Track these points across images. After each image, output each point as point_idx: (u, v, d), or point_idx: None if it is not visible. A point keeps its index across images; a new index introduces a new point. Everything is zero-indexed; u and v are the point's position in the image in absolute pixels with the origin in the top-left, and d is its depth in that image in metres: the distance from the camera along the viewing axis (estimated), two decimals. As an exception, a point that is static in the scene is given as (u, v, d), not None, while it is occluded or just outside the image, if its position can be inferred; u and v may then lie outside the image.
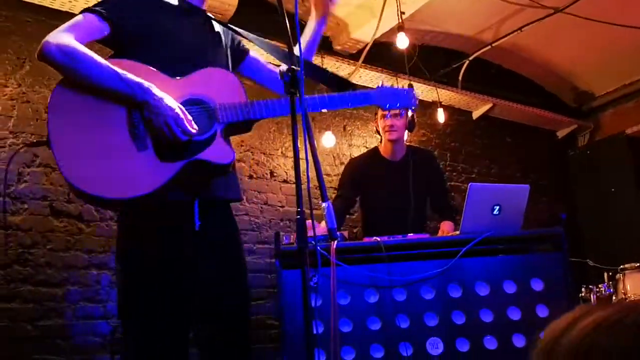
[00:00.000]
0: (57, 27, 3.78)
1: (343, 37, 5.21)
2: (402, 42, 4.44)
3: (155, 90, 1.78)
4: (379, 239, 2.81)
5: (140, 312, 1.86)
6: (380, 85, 2.26)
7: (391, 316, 2.68)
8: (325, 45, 5.24)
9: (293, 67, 1.72)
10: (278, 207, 4.89)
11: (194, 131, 1.79)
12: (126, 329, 1.90)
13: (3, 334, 3.44)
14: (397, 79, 5.50)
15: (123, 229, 1.96)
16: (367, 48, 4.83)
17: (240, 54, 2.25)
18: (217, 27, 2.16)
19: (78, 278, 3.79)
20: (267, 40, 2.19)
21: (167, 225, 1.88)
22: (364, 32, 5.07)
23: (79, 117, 1.79)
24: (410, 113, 3.57)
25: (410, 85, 5.23)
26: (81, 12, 1.89)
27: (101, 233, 3.95)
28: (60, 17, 4.11)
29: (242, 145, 4.76)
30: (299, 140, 1.67)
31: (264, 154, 4.93)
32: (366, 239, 2.94)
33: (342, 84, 2.17)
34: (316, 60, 4.96)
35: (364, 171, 3.66)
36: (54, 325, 3.62)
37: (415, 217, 3.48)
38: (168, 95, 1.80)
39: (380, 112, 3.58)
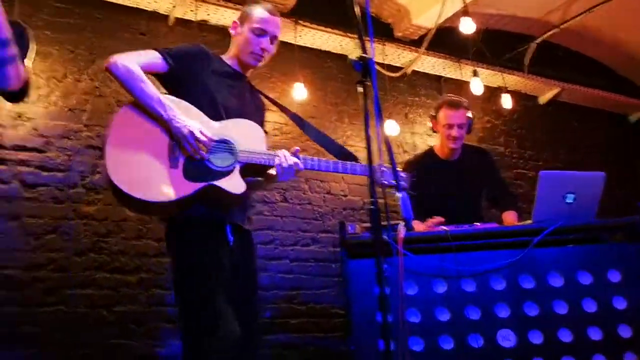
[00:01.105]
0: (125, 23, 3.92)
1: (404, 24, 5.15)
2: (467, 27, 4.33)
3: (180, 115, 2.18)
4: (446, 228, 2.77)
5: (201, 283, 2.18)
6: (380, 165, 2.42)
7: (460, 307, 2.64)
8: (386, 32, 5.19)
9: (364, 55, 1.71)
10: (341, 196, 4.89)
11: (204, 153, 2.19)
12: (186, 301, 2.20)
13: (81, 320, 3.61)
14: (460, 65, 5.39)
15: (173, 235, 2.28)
16: (431, 34, 4.74)
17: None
18: (255, 92, 2.64)
19: (150, 266, 3.92)
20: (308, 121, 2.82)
21: (208, 236, 2.24)
22: (426, 18, 4.98)
23: (134, 131, 2.17)
24: (469, 114, 3.50)
25: (475, 73, 5.13)
26: (153, 49, 2.33)
27: (170, 222, 4.05)
28: (128, 12, 4.25)
29: (303, 135, 4.78)
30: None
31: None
32: (434, 226, 2.91)
33: (347, 156, 2.57)
34: (377, 47, 4.93)
35: (421, 173, 3.59)
36: (128, 312, 3.77)
37: (472, 216, 3.40)
38: (202, 128, 2.20)
39: (443, 117, 3.49)
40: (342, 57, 5.11)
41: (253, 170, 2.35)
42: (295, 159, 2.37)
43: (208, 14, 4.43)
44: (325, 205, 4.82)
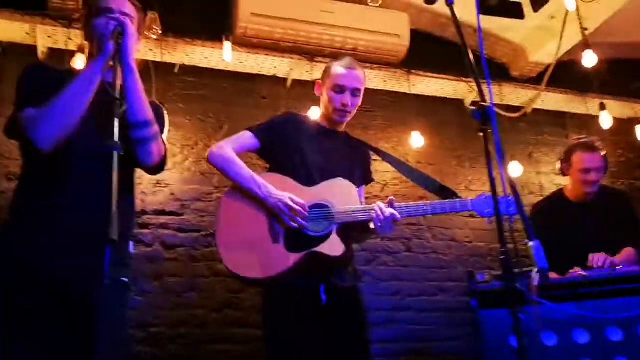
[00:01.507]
0: (247, 89, 4.13)
1: (521, 62, 5.03)
2: (589, 60, 4.14)
3: (274, 190, 2.33)
4: (584, 273, 2.61)
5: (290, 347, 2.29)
6: (484, 195, 2.50)
7: (607, 358, 2.45)
8: (501, 73, 5.10)
9: (482, 103, 1.70)
10: (466, 243, 4.77)
11: (301, 221, 2.30)
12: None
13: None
14: (585, 99, 5.14)
15: (267, 304, 2.41)
16: (550, 70, 4.58)
17: (365, 178, 2.74)
18: (355, 144, 2.71)
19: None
20: (407, 163, 2.93)
21: (301, 302, 2.31)
22: (544, 54, 4.84)
23: (238, 213, 2.37)
24: (603, 153, 3.30)
25: (602, 106, 4.86)
26: (246, 129, 2.57)
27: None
28: (251, 79, 4.53)
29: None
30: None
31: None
32: (570, 273, 2.74)
33: (446, 192, 2.56)
34: (493, 89, 4.84)
35: (552, 217, 3.40)
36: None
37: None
38: (294, 197, 2.32)
39: (578, 161, 3.30)
40: (457, 102, 5.07)
41: (352, 228, 2.42)
42: (391, 210, 2.36)
43: (323, 73, 4.61)
44: (451, 253, 4.71)
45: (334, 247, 2.31)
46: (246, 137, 2.53)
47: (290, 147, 2.50)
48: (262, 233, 2.32)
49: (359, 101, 2.60)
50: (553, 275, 2.99)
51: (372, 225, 2.39)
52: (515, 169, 4.79)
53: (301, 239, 2.31)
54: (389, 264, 4.51)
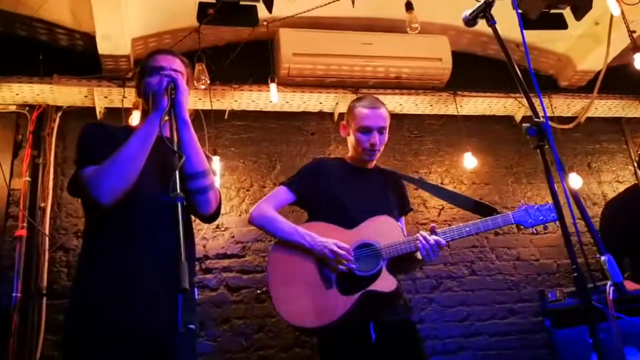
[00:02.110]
0: (296, 127, 4.20)
1: (568, 72, 4.94)
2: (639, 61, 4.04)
3: (318, 238, 2.40)
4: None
5: None
6: (523, 205, 2.57)
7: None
8: (549, 85, 5.01)
9: (536, 120, 1.68)
10: (532, 261, 4.63)
11: (349, 263, 2.36)
12: None
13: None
14: (640, 102, 4.98)
15: (321, 345, 2.47)
16: (601, 77, 4.48)
17: (403, 209, 2.78)
18: (387, 177, 2.77)
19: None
20: (442, 187, 3.02)
21: (351, 340, 2.35)
22: (591, 62, 4.74)
23: (287, 267, 2.44)
24: None
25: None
26: (279, 185, 2.70)
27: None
28: (298, 117, 4.61)
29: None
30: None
31: (506, 207, 4.77)
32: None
33: (486, 210, 2.63)
34: (543, 101, 4.75)
35: (627, 212, 3.28)
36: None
37: None
38: (338, 242, 2.38)
39: None
40: (507, 119, 5.00)
41: (399, 261, 2.45)
42: (435, 237, 2.41)
43: (369, 104, 4.64)
44: (517, 273, 4.57)
45: (386, 282, 2.36)
46: (282, 193, 2.63)
47: (325, 193, 2.56)
48: (315, 281, 2.38)
49: (386, 138, 2.66)
50: (630, 284, 2.87)
51: (418, 255, 2.44)
52: (574, 180, 4.65)
53: (353, 280, 2.36)
54: (454, 289, 4.42)
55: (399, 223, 2.58)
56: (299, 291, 2.37)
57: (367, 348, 2.33)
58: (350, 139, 2.67)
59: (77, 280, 1.98)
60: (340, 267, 2.36)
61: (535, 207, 2.52)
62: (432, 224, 2.49)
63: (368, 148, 2.59)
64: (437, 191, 2.90)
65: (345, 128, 2.72)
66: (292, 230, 2.47)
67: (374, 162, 2.72)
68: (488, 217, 2.52)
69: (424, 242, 2.39)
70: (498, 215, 2.52)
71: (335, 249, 2.36)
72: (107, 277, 1.86)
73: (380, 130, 2.60)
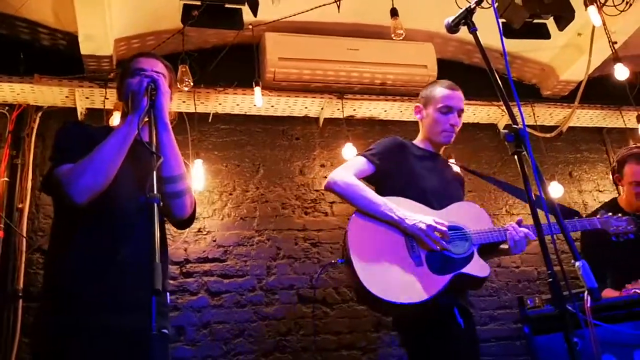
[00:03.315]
0: (280, 131, 4.18)
1: (551, 82, 4.98)
2: (621, 73, 4.08)
3: (409, 213, 2.29)
4: (639, 291, 2.52)
5: None
6: (604, 215, 2.62)
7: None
8: (532, 94, 5.05)
9: (515, 126, 1.68)
10: (513, 269, 4.65)
11: (445, 243, 2.25)
12: None
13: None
14: (621, 112, 5.03)
15: (401, 326, 2.38)
16: (582, 87, 4.52)
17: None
18: (453, 167, 2.75)
19: (331, 360, 3.98)
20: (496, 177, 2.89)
21: (437, 324, 2.23)
22: (574, 72, 4.79)
23: (370, 239, 2.28)
24: None
25: (639, 118, 4.76)
26: (358, 155, 2.56)
27: (344, 314, 4.13)
28: (283, 121, 4.60)
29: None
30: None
31: (489, 215, 4.78)
32: (625, 291, 2.64)
33: (569, 213, 2.68)
34: (526, 110, 4.79)
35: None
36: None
37: None
38: (436, 219, 2.28)
39: (630, 174, 3.22)
40: (490, 127, 5.04)
41: (485, 250, 2.37)
42: (525, 229, 2.35)
43: (354, 109, 4.65)
44: (498, 279, 4.59)
45: (480, 267, 2.28)
46: (361, 164, 2.48)
47: (406, 171, 2.47)
48: (402, 256, 2.24)
49: (461, 123, 2.61)
50: (609, 292, 2.89)
51: (505, 246, 2.38)
52: (556, 189, 4.68)
53: (444, 260, 2.25)
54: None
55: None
56: (386, 266, 2.21)
57: (456, 334, 2.24)
58: (426, 122, 2.60)
59: (50, 284, 1.94)
60: (435, 245, 2.24)
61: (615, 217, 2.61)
62: (519, 218, 2.43)
63: (448, 129, 2.54)
64: (511, 189, 2.87)
65: (420, 110, 2.65)
66: (379, 201, 2.32)
67: (443, 148, 2.67)
68: (576, 218, 2.56)
69: (514, 232, 2.33)
70: (584, 219, 2.58)
71: (435, 225, 2.24)
72: (80, 278, 1.83)
73: (459, 114, 2.57)
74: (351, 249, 2.25)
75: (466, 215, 2.39)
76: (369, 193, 2.35)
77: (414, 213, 2.29)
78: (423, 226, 2.23)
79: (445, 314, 2.22)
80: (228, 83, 4.23)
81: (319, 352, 3.98)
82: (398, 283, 2.16)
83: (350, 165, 2.48)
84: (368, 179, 2.50)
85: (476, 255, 2.29)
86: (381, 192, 2.44)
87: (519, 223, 2.38)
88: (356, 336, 4.09)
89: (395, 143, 2.56)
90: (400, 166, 2.47)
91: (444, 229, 2.25)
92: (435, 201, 2.40)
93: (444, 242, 2.25)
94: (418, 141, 2.66)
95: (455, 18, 1.94)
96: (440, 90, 2.58)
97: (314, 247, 4.30)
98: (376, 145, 2.55)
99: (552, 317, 2.48)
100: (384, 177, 2.47)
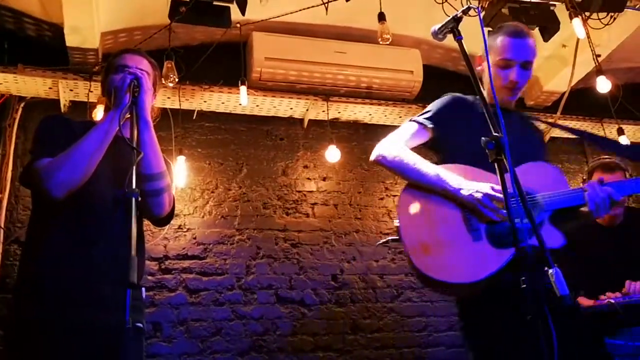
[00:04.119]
0: (265, 131, 4.14)
1: (535, 92, 5.04)
2: (603, 86, 4.14)
3: (465, 182, 2.01)
4: (612, 301, 2.55)
5: None
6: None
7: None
8: (516, 104, 5.09)
9: (495, 134, 1.69)
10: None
11: (504, 213, 1.91)
12: None
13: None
14: (602, 125, 5.10)
15: (463, 307, 2.11)
16: (565, 98, 4.58)
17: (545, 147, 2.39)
18: (529, 123, 2.38)
19: (307, 361, 3.99)
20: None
21: (507, 306, 1.88)
22: (557, 83, 4.84)
23: (422, 214, 2.06)
24: (627, 173, 3.16)
25: (620, 130, 4.83)
26: (409, 121, 2.26)
27: (322, 316, 4.14)
28: (268, 121, 4.60)
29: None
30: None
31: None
32: (598, 301, 2.67)
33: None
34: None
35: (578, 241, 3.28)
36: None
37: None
38: (494, 185, 1.97)
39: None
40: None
41: (562, 216, 2.07)
42: (608, 188, 2.04)
43: (339, 112, 4.67)
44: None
45: (551, 238, 1.98)
46: (412, 130, 2.22)
47: (465, 132, 2.11)
48: (459, 230, 2.00)
49: (531, 74, 2.22)
50: (584, 300, 2.91)
51: (585, 209, 2.07)
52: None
53: (507, 233, 1.94)
54: (413, 300, 4.45)
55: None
56: (441, 242, 1.99)
57: (528, 319, 1.81)
58: (486, 75, 2.21)
59: (25, 275, 1.92)
60: (494, 215, 1.96)
61: None
62: (600, 177, 2.14)
63: (508, 85, 2.18)
64: (605, 143, 2.53)
65: (480, 62, 2.27)
66: (432, 171, 2.05)
67: (514, 102, 2.32)
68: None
69: (593, 192, 2.01)
70: None
71: (492, 193, 1.95)
72: (55, 271, 1.82)
73: (524, 65, 2.17)
74: (402, 225, 2.04)
75: (537, 177, 2.07)
76: (421, 163, 2.09)
77: (472, 181, 2.01)
78: (479, 195, 1.96)
79: (512, 290, 1.85)
80: (214, 81, 4.22)
81: (295, 352, 3.98)
82: (452, 261, 1.95)
83: (400, 133, 2.22)
84: (426, 147, 2.25)
85: (547, 224, 2.00)
86: (440, 159, 2.20)
87: (601, 182, 2.07)
88: (333, 338, 4.11)
89: (454, 101, 2.27)
90: (459, 128, 2.15)
91: (501, 196, 1.87)
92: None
93: (504, 212, 1.92)
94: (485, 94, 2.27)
95: (442, 26, 1.93)
96: (500, 39, 2.19)
97: (294, 248, 4.31)
98: (431, 106, 2.27)
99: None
100: (442, 143, 2.21)
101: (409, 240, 2.00)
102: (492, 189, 1.96)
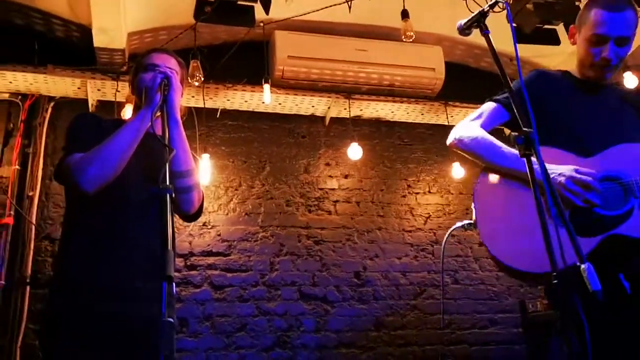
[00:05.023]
0: (287, 129, 4.15)
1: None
2: (630, 81, 4.10)
3: (551, 167, 1.83)
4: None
5: None
6: None
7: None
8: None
9: (525, 129, 1.68)
10: (515, 273, 4.67)
11: (592, 196, 1.82)
12: None
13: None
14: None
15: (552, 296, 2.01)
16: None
17: None
18: (629, 97, 2.16)
19: (331, 358, 4.01)
20: None
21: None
22: (583, 78, 4.80)
23: (499, 199, 1.97)
24: None
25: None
26: (488, 100, 2.13)
27: (345, 313, 4.16)
28: (290, 119, 4.63)
29: (468, 213, 4.73)
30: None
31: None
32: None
33: None
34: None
35: None
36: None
37: None
38: (579, 168, 1.86)
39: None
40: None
41: None
42: None
43: (361, 110, 4.68)
44: (499, 283, 4.62)
45: None
46: (492, 111, 2.10)
47: (550, 112, 2.00)
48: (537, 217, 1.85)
49: (629, 50, 2.02)
50: None
51: None
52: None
53: (593, 219, 1.84)
54: (435, 297, 4.45)
55: None
56: (520, 229, 1.88)
57: (623, 301, 1.83)
58: (578, 50, 2.07)
59: (60, 270, 1.97)
60: (579, 201, 1.83)
61: None
62: None
63: (599, 63, 2.01)
64: None
65: (574, 33, 2.11)
66: (512, 155, 1.94)
67: (609, 78, 2.11)
68: None
69: None
70: None
71: (577, 176, 1.83)
72: (90, 266, 1.86)
73: (620, 42, 1.98)
74: (478, 212, 1.97)
75: (627, 160, 1.91)
76: (499, 146, 1.99)
77: (555, 165, 1.88)
78: (562, 179, 1.84)
79: (609, 281, 1.76)
80: (237, 79, 4.27)
81: (319, 349, 4.01)
82: (532, 250, 1.79)
83: (478, 113, 2.10)
84: (507, 127, 2.13)
85: (637, 211, 1.84)
86: None
87: None
88: (356, 335, 4.13)
89: (537, 77, 2.11)
90: (544, 106, 2.00)
91: (589, 179, 1.83)
92: (592, 145, 1.95)
93: (589, 197, 1.82)
94: (575, 70, 2.14)
95: (468, 20, 1.92)
96: (594, 12, 2.00)
97: (317, 245, 4.33)
98: (514, 83, 2.06)
99: (552, 321, 2.48)
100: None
101: (484, 226, 1.93)
102: (577, 171, 1.85)
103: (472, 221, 2.05)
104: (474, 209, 1.98)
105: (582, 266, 1.47)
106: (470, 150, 2.03)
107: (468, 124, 2.07)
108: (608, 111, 2.06)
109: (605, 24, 1.97)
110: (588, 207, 1.83)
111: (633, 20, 1.98)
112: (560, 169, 1.87)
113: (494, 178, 2.00)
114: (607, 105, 2.07)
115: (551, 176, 1.83)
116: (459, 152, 2.06)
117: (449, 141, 2.09)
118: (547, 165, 1.76)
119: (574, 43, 2.13)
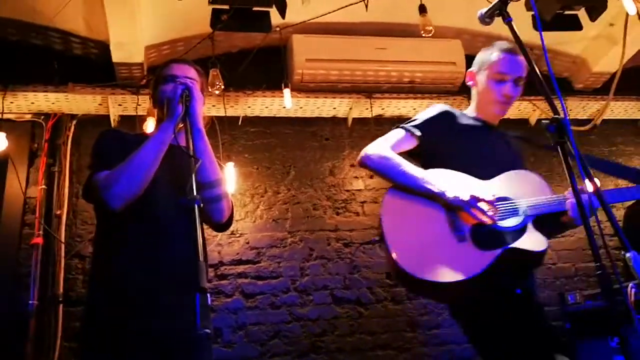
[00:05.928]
0: (310, 132, 4.13)
1: (583, 74, 4.89)
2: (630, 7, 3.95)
3: (450, 186, 2.06)
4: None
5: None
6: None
7: None
8: (564, 87, 4.96)
9: (556, 116, 1.65)
10: (550, 265, 4.57)
11: (492, 215, 2.01)
12: None
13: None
14: (658, 103, 4.91)
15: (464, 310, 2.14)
16: (617, 78, 4.43)
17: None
18: (510, 141, 2.43)
19: (367, 360, 3.97)
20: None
21: (494, 305, 2.02)
22: (606, 64, 4.69)
23: (406, 215, 2.10)
24: None
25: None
26: (397, 127, 2.31)
27: (379, 314, 4.11)
28: (312, 122, 4.61)
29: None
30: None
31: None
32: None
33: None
34: (558, 104, 4.71)
35: None
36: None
37: None
38: (479, 188, 2.06)
39: None
40: (521, 122, 4.96)
41: (544, 222, 2.11)
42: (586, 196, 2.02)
43: (382, 109, 4.63)
44: (535, 277, 4.51)
45: (535, 241, 2.02)
46: (399, 136, 2.26)
47: (452, 142, 2.23)
48: (442, 232, 2.03)
49: (521, 91, 2.31)
50: None
51: (565, 218, 2.11)
52: (590, 184, 4.58)
53: (493, 234, 2.02)
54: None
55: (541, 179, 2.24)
56: (425, 243, 2.01)
57: (514, 304, 2.02)
58: (478, 89, 2.34)
59: (94, 287, 1.97)
60: (481, 217, 2.01)
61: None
62: (581, 186, 2.19)
63: (501, 100, 2.27)
64: (600, 164, 2.63)
65: (472, 77, 2.38)
66: (417, 174, 2.11)
67: (499, 119, 2.40)
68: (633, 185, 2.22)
69: (575, 200, 1.97)
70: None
71: (479, 196, 2.00)
72: (125, 283, 1.85)
73: (517, 81, 2.26)
74: (385, 227, 2.07)
75: (520, 184, 2.15)
76: (406, 166, 2.14)
77: (457, 185, 2.07)
78: (466, 197, 2.00)
79: (505, 296, 2.02)
80: (256, 86, 4.26)
81: (354, 352, 3.97)
82: (436, 261, 1.96)
83: (387, 138, 2.26)
84: (411, 154, 2.28)
85: (531, 228, 2.04)
86: (425, 166, 2.22)
87: (581, 190, 2.04)
88: (391, 336, 4.07)
89: (441, 112, 2.32)
90: (445, 137, 2.23)
91: (490, 198, 2.01)
92: (485, 172, 2.16)
93: (490, 214, 2.01)
94: (470, 110, 2.41)
95: (489, 9, 1.91)
96: (495, 55, 2.29)
97: (347, 248, 4.29)
98: (419, 115, 2.33)
99: (594, 313, 2.42)
100: (428, 150, 2.24)
101: (393, 241, 2.03)
102: (479, 190, 2.03)
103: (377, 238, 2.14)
104: (381, 226, 2.08)
105: (627, 255, 1.43)
106: (378, 169, 2.18)
107: (378, 145, 2.22)
108: (499, 146, 2.32)
109: (507, 64, 2.25)
110: (490, 223, 2.02)
111: (525, 65, 2.25)
112: (464, 187, 2.04)
113: (400, 196, 2.13)
114: (494, 142, 2.31)
115: (454, 193, 2.02)
116: (368, 169, 2.22)
117: (358, 159, 2.24)
118: (450, 184, 2.06)
119: (473, 85, 2.39)
